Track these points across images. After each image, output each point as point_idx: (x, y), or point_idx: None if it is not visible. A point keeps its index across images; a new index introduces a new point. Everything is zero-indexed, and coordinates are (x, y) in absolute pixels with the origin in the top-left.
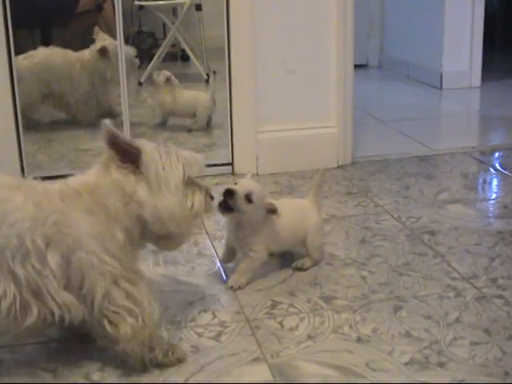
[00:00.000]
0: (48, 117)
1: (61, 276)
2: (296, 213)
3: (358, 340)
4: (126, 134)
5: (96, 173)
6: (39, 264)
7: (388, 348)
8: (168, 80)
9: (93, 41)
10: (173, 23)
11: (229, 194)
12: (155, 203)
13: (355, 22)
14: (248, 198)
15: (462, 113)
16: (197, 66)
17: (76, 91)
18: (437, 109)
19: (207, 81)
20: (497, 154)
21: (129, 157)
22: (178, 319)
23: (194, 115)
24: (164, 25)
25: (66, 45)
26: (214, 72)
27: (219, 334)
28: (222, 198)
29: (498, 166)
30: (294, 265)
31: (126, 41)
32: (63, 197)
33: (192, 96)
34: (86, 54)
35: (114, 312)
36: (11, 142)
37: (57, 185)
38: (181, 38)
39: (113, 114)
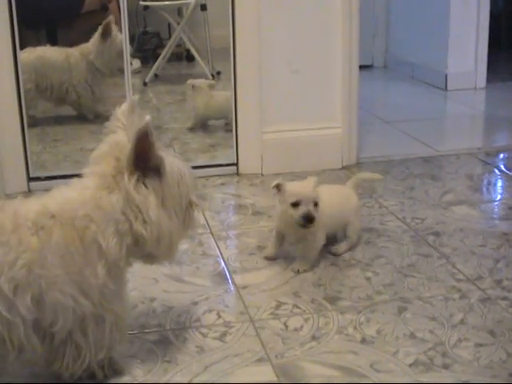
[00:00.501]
0: (52, 116)
1: (30, 319)
2: (340, 198)
3: (363, 341)
4: None
5: (92, 188)
6: (7, 312)
7: (392, 349)
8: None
9: None
10: (178, 23)
11: (313, 205)
12: (161, 223)
13: (360, 23)
14: (316, 204)
15: (467, 114)
16: (202, 66)
17: (76, 83)
18: (442, 110)
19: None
20: (502, 156)
21: (145, 165)
22: (182, 319)
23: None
24: (169, 25)
25: (71, 45)
26: (219, 72)
27: (224, 335)
28: (306, 215)
29: (502, 167)
30: (333, 249)
31: (132, 41)
32: (37, 228)
33: (225, 98)
34: (88, 44)
35: (65, 345)
36: (16, 142)
37: (34, 208)
38: (186, 38)
39: (97, 114)
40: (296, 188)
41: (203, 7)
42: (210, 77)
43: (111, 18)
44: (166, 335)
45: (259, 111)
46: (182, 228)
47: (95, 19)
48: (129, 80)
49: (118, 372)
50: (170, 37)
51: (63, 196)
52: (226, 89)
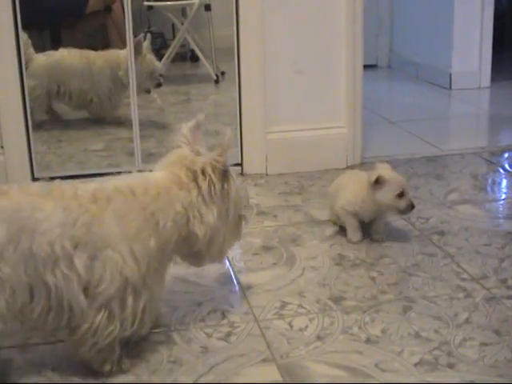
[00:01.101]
0: (57, 117)
1: (84, 278)
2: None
3: (368, 341)
4: (135, 134)
5: (164, 179)
6: (67, 268)
7: (397, 349)
8: None
9: (102, 41)
10: (182, 24)
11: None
12: (218, 228)
13: (364, 23)
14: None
15: (472, 113)
16: (206, 66)
17: (98, 91)
18: (446, 109)
19: (216, 81)
20: (506, 155)
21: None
22: (187, 320)
23: None
24: (173, 25)
25: (75, 46)
26: (223, 73)
27: (228, 335)
28: (412, 205)
29: (507, 166)
30: (376, 237)
31: None
32: (95, 199)
33: None
34: (116, 53)
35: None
36: (21, 142)
37: (91, 186)
38: (190, 38)
39: (115, 120)
40: (398, 180)
41: (207, 7)
42: (214, 77)
43: (141, 36)
44: (171, 335)
45: (263, 111)
46: (237, 237)
47: (99, 20)
48: (133, 80)
49: (123, 371)
50: (174, 37)
51: (132, 178)
52: (230, 89)
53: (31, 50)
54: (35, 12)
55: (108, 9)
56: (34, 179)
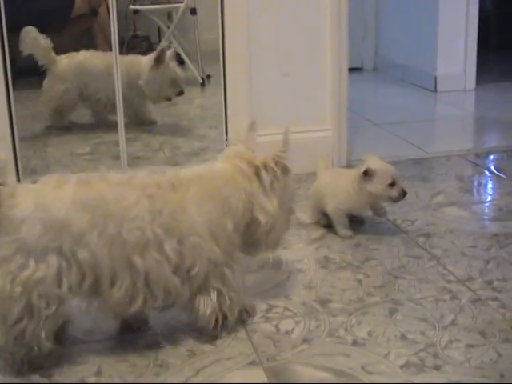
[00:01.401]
0: (43, 121)
1: (173, 261)
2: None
3: (354, 343)
4: (121, 137)
5: (230, 169)
6: (157, 253)
7: (384, 351)
8: None
9: (88, 44)
10: (168, 27)
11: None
12: (276, 217)
13: (350, 25)
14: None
15: (457, 115)
16: (192, 69)
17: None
18: (431, 111)
19: (202, 84)
20: (492, 157)
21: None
22: (173, 323)
23: None
24: (159, 29)
25: (60, 49)
26: (209, 76)
27: (215, 338)
28: (404, 192)
29: (492, 168)
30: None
31: (121, 45)
32: (174, 187)
33: None
34: (136, 59)
35: (206, 291)
36: (6, 146)
37: (167, 175)
38: (176, 41)
39: (148, 123)
40: (388, 169)
41: (193, 11)
42: (200, 80)
43: (166, 45)
44: (158, 339)
45: (249, 114)
46: (286, 226)
47: (85, 23)
48: (118, 84)
49: (253, 314)
50: (159, 41)
51: (200, 167)
52: (215, 92)
53: (52, 53)
54: (20, 15)
55: (94, 12)
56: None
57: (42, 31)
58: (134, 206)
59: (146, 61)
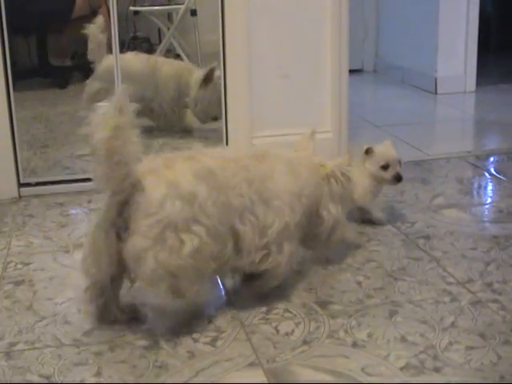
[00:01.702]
0: (44, 122)
1: (261, 223)
2: None
3: (354, 345)
4: None
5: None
6: (251, 216)
7: (383, 353)
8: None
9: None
10: (168, 28)
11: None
12: (340, 220)
13: (350, 27)
14: (401, 164)
15: (457, 117)
16: None
17: (161, 98)
18: (432, 113)
19: None
20: (492, 159)
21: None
22: (173, 324)
23: None
24: (159, 30)
25: (61, 50)
26: None
27: (215, 340)
28: (396, 176)
29: (493, 170)
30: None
31: (122, 46)
32: (261, 160)
33: None
34: (186, 67)
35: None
36: (6, 147)
37: (252, 150)
38: (176, 43)
39: (189, 130)
40: (386, 152)
41: (193, 12)
42: None
43: (215, 64)
44: (157, 340)
45: (249, 116)
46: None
47: (85, 25)
48: (119, 85)
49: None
50: (160, 42)
51: (282, 149)
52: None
53: (104, 50)
54: (21, 17)
55: (94, 14)
56: (20, 185)
57: (42, 32)
58: (234, 176)
59: (196, 75)
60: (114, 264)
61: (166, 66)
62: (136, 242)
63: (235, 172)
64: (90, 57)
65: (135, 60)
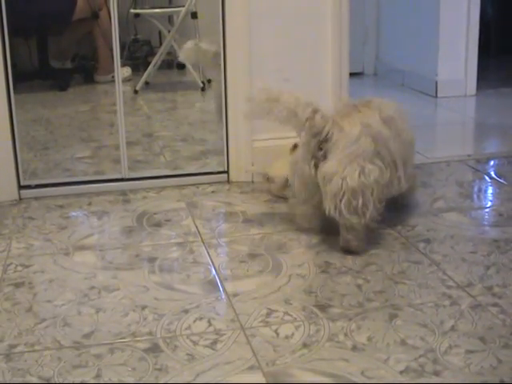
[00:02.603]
0: (44, 124)
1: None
2: None
3: (354, 348)
4: (121, 141)
5: None
6: (387, 154)
7: (383, 356)
8: None
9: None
10: (168, 31)
11: None
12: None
13: (350, 30)
14: None
15: (458, 121)
16: (192, 74)
17: None
18: (432, 117)
19: (203, 89)
20: (492, 163)
21: None
22: (173, 327)
23: None
24: (160, 33)
25: (61, 53)
26: (210, 80)
27: (214, 342)
28: None
29: (493, 174)
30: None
31: (122, 48)
32: (381, 110)
33: None
34: None
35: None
36: (7, 149)
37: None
38: (177, 45)
39: None
40: None
41: (194, 15)
42: (201, 84)
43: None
44: (157, 343)
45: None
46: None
47: (85, 27)
48: (119, 88)
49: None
50: (160, 44)
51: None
52: (216, 96)
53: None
54: (21, 19)
55: (95, 16)
56: (21, 187)
57: (43, 34)
58: (403, 122)
59: None
60: (315, 186)
61: None
62: (330, 166)
63: (403, 119)
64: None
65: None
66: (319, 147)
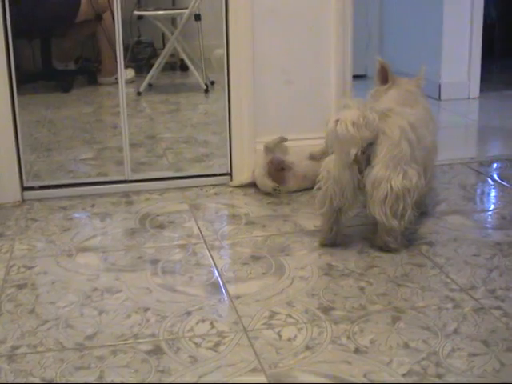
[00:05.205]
0: (47, 125)
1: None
2: None
3: (356, 351)
4: (125, 143)
5: None
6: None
7: (386, 359)
8: None
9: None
10: (172, 33)
11: None
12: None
13: (354, 33)
14: None
15: (461, 124)
16: (196, 75)
17: None
18: (435, 119)
19: (206, 91)
20: (495, 165)
21: None
22: (175, 329)
23: None
24: (163, 35)
25: (65, 54)
26: (213, 82)
27: (217, 345)
28: None
29: (496, 176)
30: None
31: (126, 50)
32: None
33: None
34: None
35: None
36: (10, 151)
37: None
38: (180, 47)
39: None
40: None
41: (197, 17)
42: (204, 86)
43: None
44: (160, 345)
45: (253, 121)
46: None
47: (89, 29)
48: (122, 89)
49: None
50: (163, 46)
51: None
52: (219, 99)
53: None
54: (25, 20)
55: (98, 18)
56: (24, 188)
57: (46, 36)
58: (421, 127)
59: None
60: (355, 191)
61: None
62: (379, 171)
63: (425, 126)
64: None
65: None
66: (362, 151)
